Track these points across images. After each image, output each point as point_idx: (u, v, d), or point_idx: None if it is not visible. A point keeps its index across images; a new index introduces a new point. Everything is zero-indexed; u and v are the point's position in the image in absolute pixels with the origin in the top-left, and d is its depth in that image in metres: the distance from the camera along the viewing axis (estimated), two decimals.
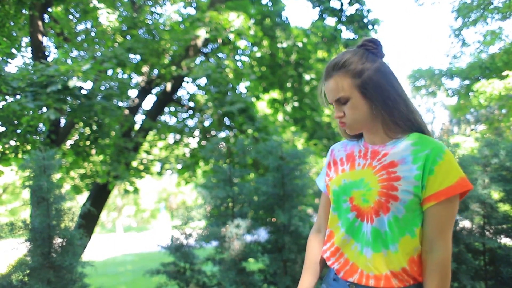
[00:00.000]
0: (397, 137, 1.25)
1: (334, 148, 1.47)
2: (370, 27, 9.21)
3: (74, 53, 7.68)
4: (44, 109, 5.24)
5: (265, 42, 8.93)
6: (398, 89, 1.23)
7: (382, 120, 1.23)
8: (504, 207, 4.37)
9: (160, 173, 9.26)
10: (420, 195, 1.16)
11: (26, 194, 15.35)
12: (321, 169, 1.47)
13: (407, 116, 1.22)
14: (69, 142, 7.36)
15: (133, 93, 8.26)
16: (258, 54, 9.20)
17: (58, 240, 3.16)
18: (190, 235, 4.40)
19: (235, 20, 7.48)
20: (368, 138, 1.33)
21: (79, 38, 7.55)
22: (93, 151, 6.97)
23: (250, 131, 7.36)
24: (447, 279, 1.18)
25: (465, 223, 4.49)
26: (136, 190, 7.74)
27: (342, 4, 8.76)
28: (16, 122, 5.53)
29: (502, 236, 4.29)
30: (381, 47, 1.26)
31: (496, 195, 4.39)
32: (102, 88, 5.90)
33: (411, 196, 1.16)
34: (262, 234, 4.59)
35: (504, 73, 9.34)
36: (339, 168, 1.36)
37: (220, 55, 8.82)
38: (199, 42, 8.12)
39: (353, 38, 9.37)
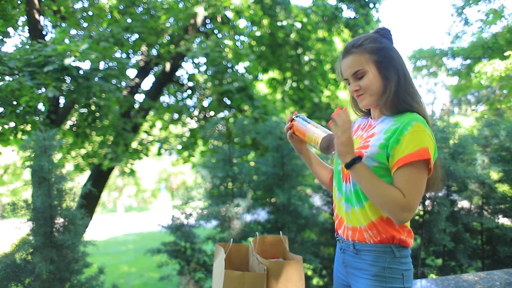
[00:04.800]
0: (391, 114, 1.36)
1: (355, 121, 1.62)
2: (371, 5, 9.07)
3: (72, 32, 7.57)
4: (43, 89, 5.20)
5: (265, 21, 8.80)
6: (406, 71, 1.36)
7: (387, 96, 1.35)
8: (502, 187, 4.40)
9: (158, 154, 9.26)
10: (386, 163, 1.29)
11: (27, 174, 15.38)
12: None
13: (408, 96, 1.34)
14: (69, 123, 7.34)
15: (132, 72, 8.19)
16: (258, 33, 9.08)
17: (60, 220, 3.19)
18: (191, 214, 4.43)
19: None
20: (372, 113, 1.49)
21: (76, 16, 7.42)
22: (93, 132, 6.95)
23: (248, 110, 7.32)
24: (381, 197, 1.23)
25: (464, 203, 4.52)
26: (132, 172, 7.73)
27: None
28: (15, 102, 5.50)
29: (500, 216, 4.33)
30: (391, 35, 1.41)
31: (495, 175, 4.41)
32: (102, 66, 5.83)
33: (375, 162, 1.30)
34: (262, 214, 4.63)
35: (506, 53, 9.24)
36: None
37: (220, 35, 8.70)
38: (198, 21, 8.00)
39: (354, 17, 9.24)
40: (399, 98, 1.33)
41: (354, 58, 1.36)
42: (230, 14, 7.43)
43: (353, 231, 1.38)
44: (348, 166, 1.28)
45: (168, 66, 8.36)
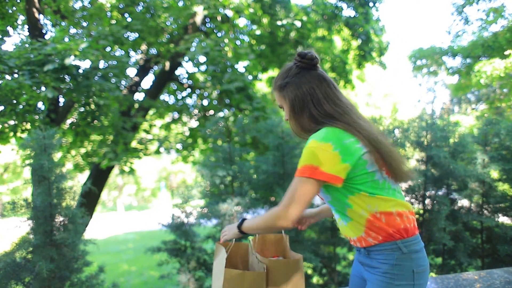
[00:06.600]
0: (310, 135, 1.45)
1: None
2: (371, 4, 9.06)
3: (72, 31, 7.55)
4: (43, 88, 5.20)
5: (265, 20, 8.78)
6: (317, 93, 1.44)
7: (303, 125, 1.47)
8: (502, 186, 4.40)
9: (157, 152, 9.25)
10: None
11: (27, 173, 15.38)
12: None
13: (324, 116, 1.42)
14: (69, 122, 7.33)
15: (132, 71, 8.18)
16: (258, 32, 9.06)
17: (60, 219, 3.19)
18: (191, 213, 4.43)
19: None
20: None
21: (76, 15, 7.41)
22: (92, 131, 6.95)
23: (248, 110, 7.31)
24: (264, 223, 1.42)
25: (464, 202, 4.52)
26: (132, 171, 7.72)
27: None
28: (14, 101, 5.49)
29: (499, 215, 4.33)
30: (308, 59, 1.50)
31: (495, 174, 4.41)
32: (101, 65, 5.82)
33: None
34: (262, 213, 4.63)
35: (506, 53, 9.22)
36: None
37: (219, 34, 8.69)
38: (198, 20, 7.99)
39: (354, 16, 9.23)
40: (316, 121, 1.42)
41: (275, 94, 1.56)
42: (230, 13, 7.41)
43: (359, 241, 1.45)
44: (241, 232, 1.57)
45: (167, 65, 8.35)
